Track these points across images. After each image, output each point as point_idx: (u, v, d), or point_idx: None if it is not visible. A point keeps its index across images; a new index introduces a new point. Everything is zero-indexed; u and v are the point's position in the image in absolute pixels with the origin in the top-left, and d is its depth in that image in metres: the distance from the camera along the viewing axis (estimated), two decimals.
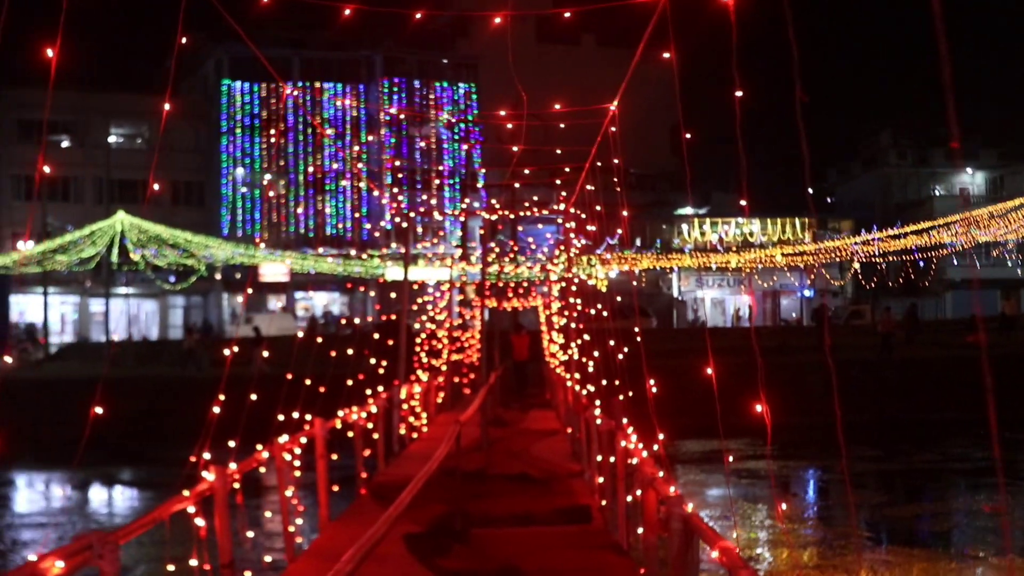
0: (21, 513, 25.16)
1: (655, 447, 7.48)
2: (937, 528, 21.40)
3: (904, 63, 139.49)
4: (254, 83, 68.74)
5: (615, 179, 8.95)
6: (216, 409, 7.63)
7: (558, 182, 14.71)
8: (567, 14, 10.03)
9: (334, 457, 11.13)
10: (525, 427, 20.89)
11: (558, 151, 13.50)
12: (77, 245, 50.45)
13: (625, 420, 8.89)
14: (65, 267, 52.29)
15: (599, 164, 13.32)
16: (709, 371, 6.45)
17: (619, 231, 48.95)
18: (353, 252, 61.96)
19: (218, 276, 62.17)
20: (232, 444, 7.80)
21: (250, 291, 61.00)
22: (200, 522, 6.74)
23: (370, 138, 70.01)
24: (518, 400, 27.85)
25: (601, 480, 11.37)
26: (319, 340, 12.62)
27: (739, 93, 5.56)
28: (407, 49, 71.98)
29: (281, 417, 9.39)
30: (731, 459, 30.21)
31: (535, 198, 21.10)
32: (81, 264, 52.62)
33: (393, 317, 22.02)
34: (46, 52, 6.33)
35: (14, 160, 66.27)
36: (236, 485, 7.71)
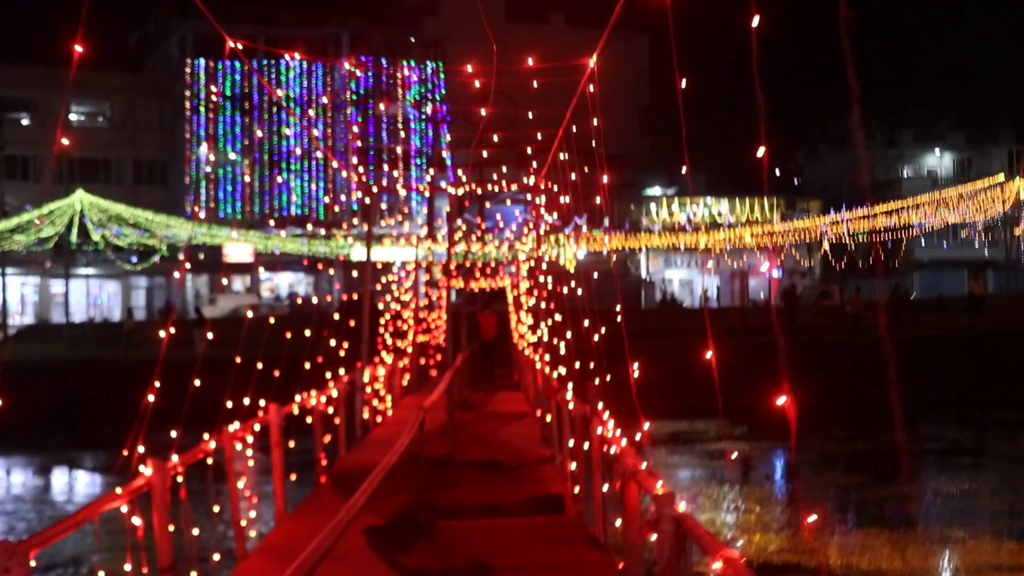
0: None
1: (637, 435, 6.93)
2: (908, 510, 21.05)
3: (873, 44, 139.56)
4: (219, 60, 67.50)
5: (593, 143, 8.34)
6: (151, 397, 6.98)
7: (529, 151, 14.06)
8: None
9: (291, 445, 10.51)
10: (493, 410, 20.31)
11: (529, 114, 12.90)
12: (35, 224, 49.30)
13: (601, 405, 8.32)
14: (23, 247, 51.11)
15: (574, 128, 12.64)
16: (708, 355, 5.84)
17: (587, 212, 48.35)
18: (321, 232, 61.07)
19: (181, 256, 61.22)
20: (174, 434, 7.17)
21: (184, 270, 60.00)
22: (137, 521, 6.13)
23: (333, 116, 69.01)
24: (485, 381, 27.27)
25: (574, 467, 10.83)
26: (271, 321, 11.83)
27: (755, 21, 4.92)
28: (374, 27, 71.03)
29: (230, 404, 8.72)
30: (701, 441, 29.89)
31: (504, 169, 20.46)
32: (40, 244, 51.48)
33: (355, 296, 21.35)
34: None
35: None
36: (179, 479, 7.09)
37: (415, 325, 26.37)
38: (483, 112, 11.30)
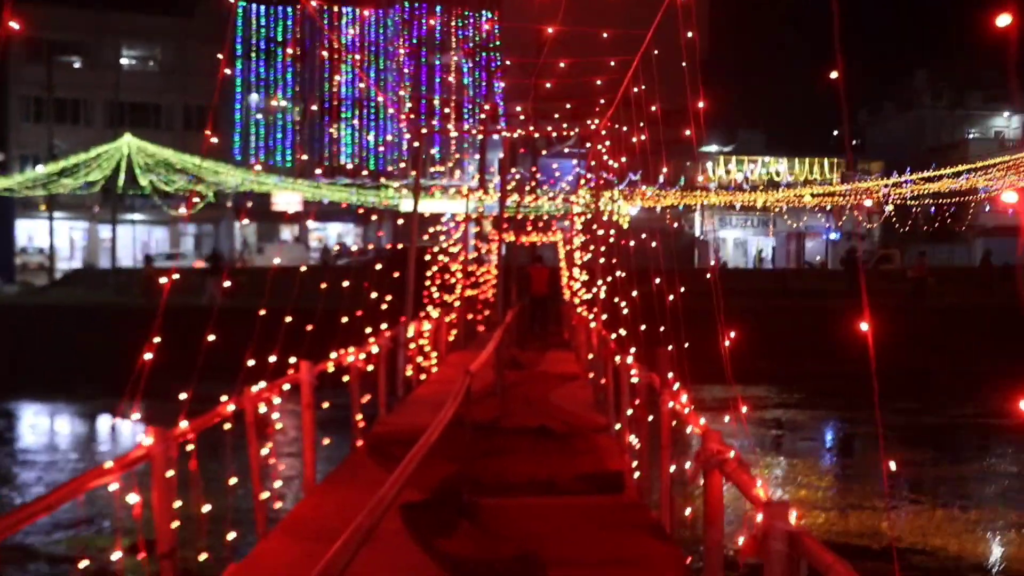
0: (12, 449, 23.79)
1: (727, 418, 5.88)
2: (985, 490, 19.80)
3: (940, 3, 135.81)
4: (270, 5, 66.48)
5: (683, 63, 7.28)
6: (148, 354, 6.02)
7: (598, 83, 12.96)
8: None
9: (324, 406, 9.55)
10: (544, 370, 19.28)
11: (603, 35, 11.79)
12: (83, 169, 48.77)
13: (671, 375, 7.27)
14: (70, 191, 50.66)
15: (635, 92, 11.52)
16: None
17: (641, 168, 46.96)
18: (369, 182, 60.12)
19: (229, 204, 60.61)
20: (183, 396, 6.22)
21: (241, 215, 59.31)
22: (134, 498, 5.19)
23: (386, 64, 67.83)
24: (536, 339, 26.25)
25: (634, 440, 9.80)
26: (302, 270, 10.84)
27: None
28: None
29: (252, 362, 7.75)
30: (747, 408, 28.75)
31: (563, 112, 19.24)
32: (87, 188, 51.01)
33: (399, 247, 20.37)
34: None
35: (22, 80, 64.59)
36: (190, 447, 6.14)
37: (463, 279, 25.42)
38: (550, 30, 10.19)
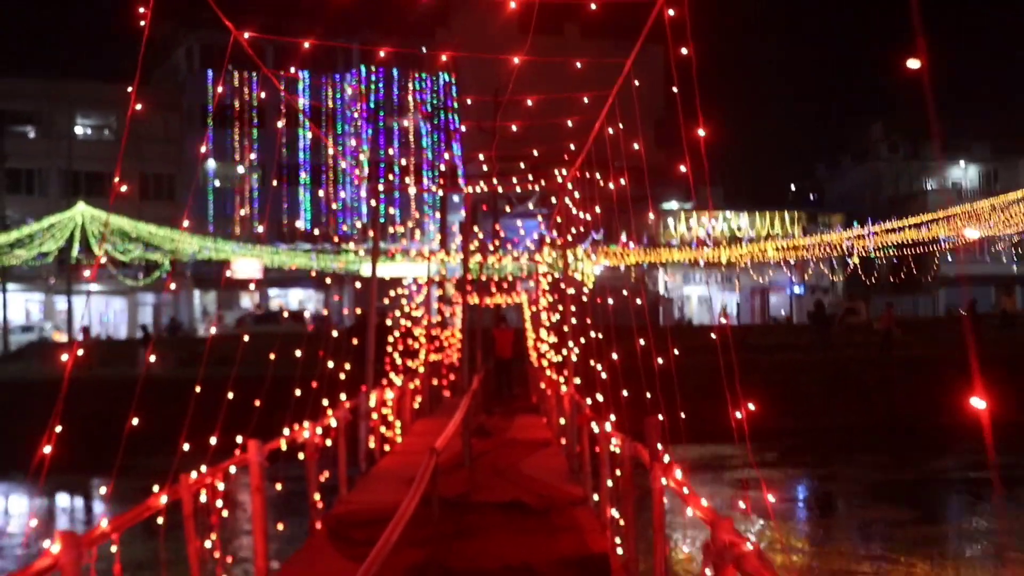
0: None
1: (739, 502, 5.16)
2: (968, 550, 19.10)
3: (894, 55, 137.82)
4: (225, 70, 65.98)
5: (673, 90, 6.68)
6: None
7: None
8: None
9: (278, 487, 8.74)
10: (512, 436, 18.48)
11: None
12: (36, 239, 47.73)
13: (660, 447, 6.55)
14: (23, 262, 49.53)
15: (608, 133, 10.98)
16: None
17: (603, 227, 46.61)
18: (327, 247, 59.37)
19: (188, 273, 59.66)
20: (103, 490, 5.44)
21: (168, 285, 58.34)
22: None
23: (343, 128, 67.44)
24: (502, 404, 25.44)
25: (616, 515, 9.04)
26: (245, 339, 10.07)
27: None
28: (384, 38, 69.45)
29: (187, 446, 6.94)
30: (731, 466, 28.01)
31: (522, 168, 18.73)
32: (41, 259, 49.93)
33: (357, 311, 19.61)
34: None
35: None
36: (114, 547, 5.34)
37: (427, 343, 24.65)
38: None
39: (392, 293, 22.32)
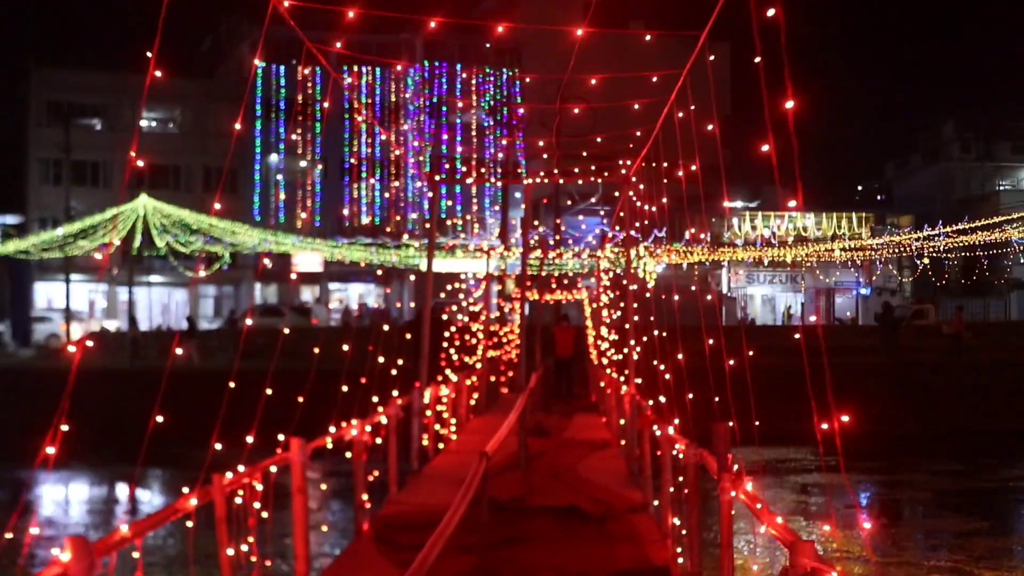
0: None
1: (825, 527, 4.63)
2: None
3: (968, 53, 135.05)
4: (290, 66, 66.05)
5: (757, 64, 6.20)
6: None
7: (636, 107, 11.89)
8: None
9: (323, 488, 8.31)
10: (570, 436, 17.96)
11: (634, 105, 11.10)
12: (98, 230, 48.02)
13: (730, 455, 6.02)
14: (86, 253, 49.91)
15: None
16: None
17: (666, 225, 45.89)
18: (389, 242, 59.17)
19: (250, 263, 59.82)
20: (123, 491, 5.03)
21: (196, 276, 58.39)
22: None
23: (407, 125, 67.21)
24: (561, 403, 24.90)
25: (677, 523, 8.51)
26: (285, 331, 9.68)
27: None
28: (448, 32, 69.17)
29: (219, 445, 6.53)
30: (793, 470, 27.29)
31: (585, 156, 18.23)
32: (104, 250, 50.25)
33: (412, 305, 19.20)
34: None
35: (42, 143, 64.27)
36: (136, 554, 4.93)
37: (485, 339, 24.21)
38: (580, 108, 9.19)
39: (448, 288, 21.92)
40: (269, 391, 7.24)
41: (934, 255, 56.48)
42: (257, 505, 6.69)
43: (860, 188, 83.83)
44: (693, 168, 8.79)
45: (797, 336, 5.82)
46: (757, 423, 6.69)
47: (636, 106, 11.78)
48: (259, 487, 6.74)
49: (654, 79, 10.21)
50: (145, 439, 5.62)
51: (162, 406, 6.10)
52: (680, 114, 9.37)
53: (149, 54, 6.00)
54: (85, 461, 26.46)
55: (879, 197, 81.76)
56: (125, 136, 64.22)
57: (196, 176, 68.65)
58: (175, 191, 63.94)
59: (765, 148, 5.85)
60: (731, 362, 7.28)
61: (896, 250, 57.40)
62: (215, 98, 67.43)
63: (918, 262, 59.04)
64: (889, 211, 75.53)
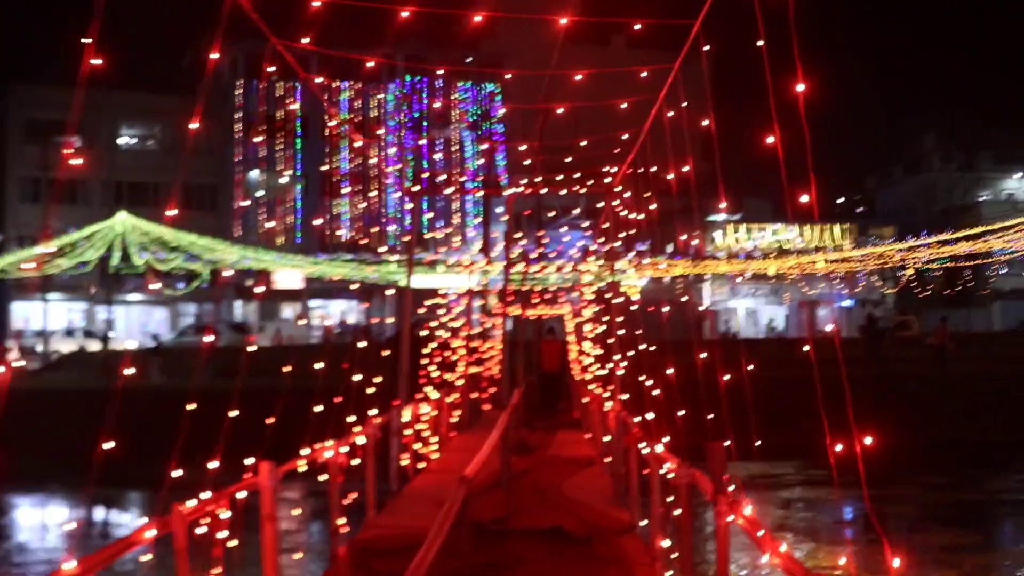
0: None
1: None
2: None
3: (949, 64, 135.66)
4: (269, 82, 65.64)
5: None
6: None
7: (625, 105, 11.61)
8: None
9: (295, 513, 7.95)
10: (555, 454, 17.57)
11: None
12: (77, 248, 47.48)
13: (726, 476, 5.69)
14: (64, 271, 49.34)
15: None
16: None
17: (648, 239, 45.79)
18: (368, 258, 58.81)
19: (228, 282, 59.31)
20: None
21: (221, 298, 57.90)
22: None
23: (387, 137, 66.91)
24: (545, 419, 24.49)
25: (667, 544, 8.17)
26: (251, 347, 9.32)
27: None
28: (430, 48, 68.95)
29: (178, 472, 6.16)
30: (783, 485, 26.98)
31: (565, 191, 17.97)
32: (83, 268, 49.70)
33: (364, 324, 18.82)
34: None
35: (21, 161, 63.69)
36: None
37: (467, 355, 23.81)
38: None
39: (427, 303, 21.54)
40: (235, 412, 6.87)
41: (917, 266, 56.44)
42: (226, 533, 6.32)
43: (842, 200, 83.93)
44: (685, 169, 8.51)
45: (807, 348, 5.50)
46: (759, 442, 6.38)
47: (624, 105, 11.50)
48: (227, 514, 6.36)
49: (643, 74, 9.92)
50: (93, 461, 5.26)
51: (125, 426, 5.74)
52: (670, 113, 9.08)
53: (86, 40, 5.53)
54: (39, 484, 26.06)
55: (860, 209, 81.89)
56: (104, 153, 63.70)
57: (175, 193, 68.11)
58: (155, 208, 63.41)
59: (771, 140, 5.55)
60: (727, 377, 6.94)
61: (879, 261, 57.37)
62: (194, 114, 66.81)
63: (901, 274, 59.00)
64: (871, 222, 75.60)
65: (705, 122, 7.47)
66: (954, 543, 20.20)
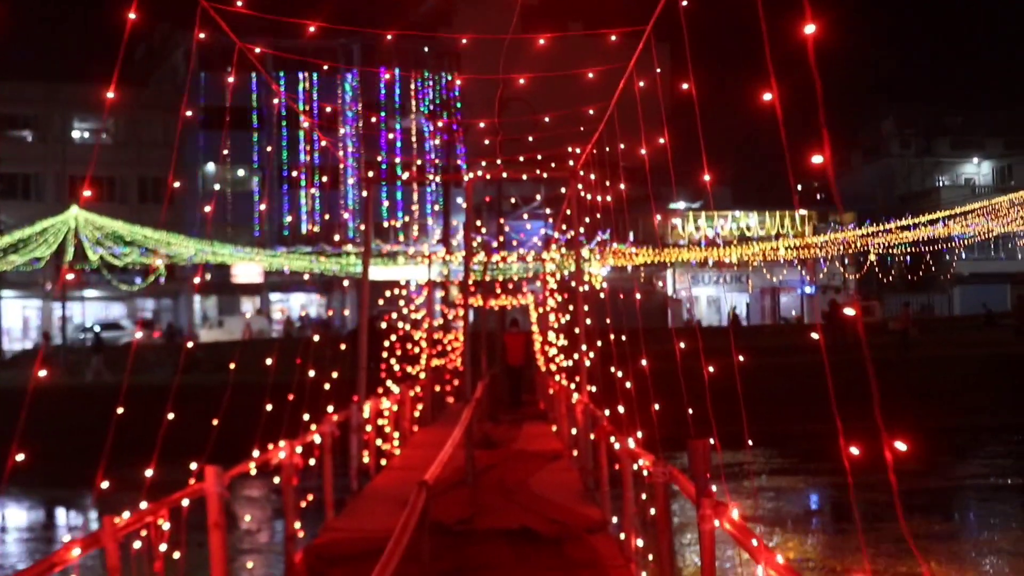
0: None
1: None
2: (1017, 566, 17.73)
3: (904, 49, 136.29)
4: (224, 73, 64.60)
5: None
6: None
7: (590, 75, 11.15)
8: None
9: (247, 519, 7.47)
10: (520, 448, 17.13)
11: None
12: (29, 243, 46.43)
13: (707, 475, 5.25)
14: (16, 268, 48.26)
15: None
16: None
17: (609, 227, 45.36)
18: (328, 249, 58.07)
19: (192, 277, 58.42)
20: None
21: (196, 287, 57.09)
22: None
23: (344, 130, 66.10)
24: (510, 412, 24.06)
25: (641, 544, 7.74)
26: (191, 345, 8.81)
27: None
28: (386, 37, 68.10)
29: (104, 484, 5.64)
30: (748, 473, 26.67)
31: (525, 177, 17.54)
32: (36, 264, 48.62)
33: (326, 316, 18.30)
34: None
35: None
36: None
37: (429, 348, 23.34)
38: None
39: (387, 294, 21.01)
40: (171, 414, 6.36)
41: (879, 252, 56.50)
42: (163, 547, 5.81)
43: (800, 187, 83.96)
44: (661, 141, 8.11)
45: (815, 336, 5.05)
46: (750, 440, 5.97)
47: (590, 75, 11.08)
48: (166, 525, 5.85)
49: (612, 38, 9.46)
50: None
51: (55, 427, 5.21)
52: (641, 83, 8.64)
53: None
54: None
55: (818, 196, 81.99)
56: (57, 147, 62.59)
57: (131, 187, 67.05)
58: (109, 203, 62.31)
59: (768, 96, 5.11)
60: (711, 369, 6.50)
61: (841, 247, 57.36)
62: (149, 107, 65.83)
63: (864, 260, 59.03)
64: (831, 209, 75.68)
65: (685, 85, 7.03)
66: (928, 531, 19.99)
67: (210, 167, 65.55)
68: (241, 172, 66.56)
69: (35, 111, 66.03)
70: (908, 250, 55.18)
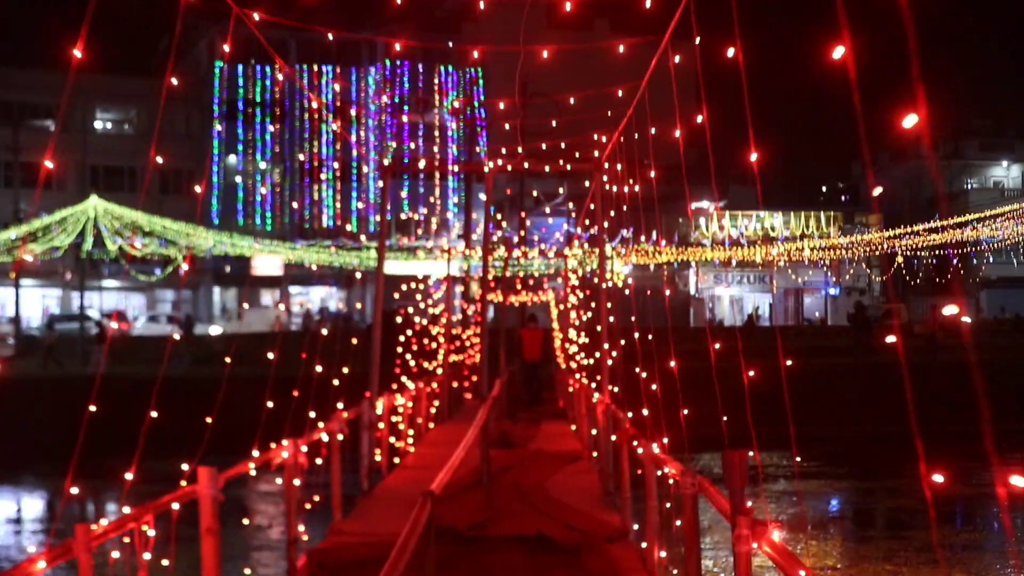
0: None
1: None
2: None
3: (933, 50, 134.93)
4: (249, 66, 64.36)
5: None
6: None
7: (622, 47, 10.65)
8: None
9: (245, 522, 7.00)
10: (538, 448, 16.62)
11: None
12: (49, 233, 46.24)
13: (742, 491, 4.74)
14: (36, 256, 48.07)
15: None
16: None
17: (632, 225, 44.78)
18: (348, 243, 57.66)
19: (207, 268, 58.25)
20: None
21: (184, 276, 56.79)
22: None
23: (360, 126, 65.74)
24: (528, 410, 23.53)
25: (664, 556, 7.23)
26: (177, 337, 8.34)
27: None
28: (411, 32, 67.73)
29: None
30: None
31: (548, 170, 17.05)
32: (55, 254, 48.46)
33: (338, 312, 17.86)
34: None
35: None
36: None
37: (447, 343, 22.86)
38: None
39: (404, 289, 20.56)
40: (154, 411, 5.89)
41: (906, 254, 55.73)
42: (147, 556, 5.34)
43: (824, 189, 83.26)
44: (677, 134, 7.67)
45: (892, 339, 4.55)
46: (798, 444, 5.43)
47: (621, 48, 10.60)
48: (150, 532, 5.38)
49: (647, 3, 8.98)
50: None
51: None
52: (677, 57, 8.17)
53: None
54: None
55: (844, 197, 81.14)
56: (79, 137, 62.41)
57: (152, 178, 66.88)
58: (130, 193, 62.12)
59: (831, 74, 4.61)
60: (751, 373, 5.99)
61: (866, 249, 56.62)
62: (171, 98, 65.55)
63: (891, 262, 58.24)
64: (857, 210, 74.89)
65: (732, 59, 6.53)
66: (958, 540, 19.47)
67: (231, 159, 65.27)
68: (263, 164, 66.32)
69: (57, 100, 65.87)
70: (935, 253, 54.44)
